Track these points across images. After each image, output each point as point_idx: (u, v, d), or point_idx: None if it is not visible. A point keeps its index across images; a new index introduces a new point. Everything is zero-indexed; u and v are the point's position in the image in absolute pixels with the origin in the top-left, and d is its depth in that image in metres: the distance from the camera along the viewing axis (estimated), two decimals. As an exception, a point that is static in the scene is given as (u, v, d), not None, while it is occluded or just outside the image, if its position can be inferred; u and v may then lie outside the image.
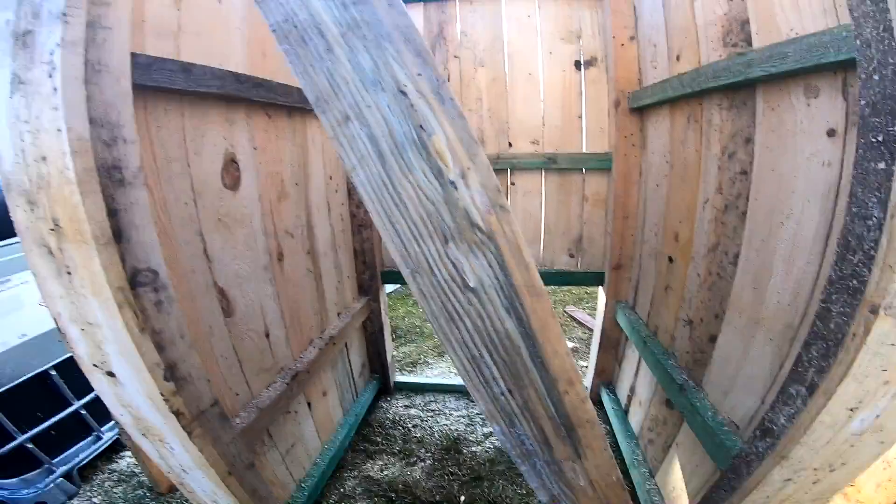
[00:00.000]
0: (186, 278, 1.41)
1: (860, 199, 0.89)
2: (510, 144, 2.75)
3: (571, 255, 2.87)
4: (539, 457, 0.84)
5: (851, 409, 0.92)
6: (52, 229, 0.86)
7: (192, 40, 1.50)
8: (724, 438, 1.45)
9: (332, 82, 0.57)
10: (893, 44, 0.80)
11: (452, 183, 0.57)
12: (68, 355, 2.36)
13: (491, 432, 2.73)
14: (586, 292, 5.29)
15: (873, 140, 0.86)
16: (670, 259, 2.06)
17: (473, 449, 2.65)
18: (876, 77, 0.85)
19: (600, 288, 2.84)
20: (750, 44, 1.45)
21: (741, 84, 1.47)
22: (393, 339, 3.86)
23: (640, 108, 2.32)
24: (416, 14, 2.75)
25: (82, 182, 0.87)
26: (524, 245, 0.60)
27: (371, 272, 2.88)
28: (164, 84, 1.32)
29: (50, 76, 0.92)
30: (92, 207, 0.86)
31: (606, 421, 2.74)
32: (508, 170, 2.77)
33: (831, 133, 1.14)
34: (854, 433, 0.96)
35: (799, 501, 1.13)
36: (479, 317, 0.64)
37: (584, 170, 2.72)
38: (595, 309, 4.28)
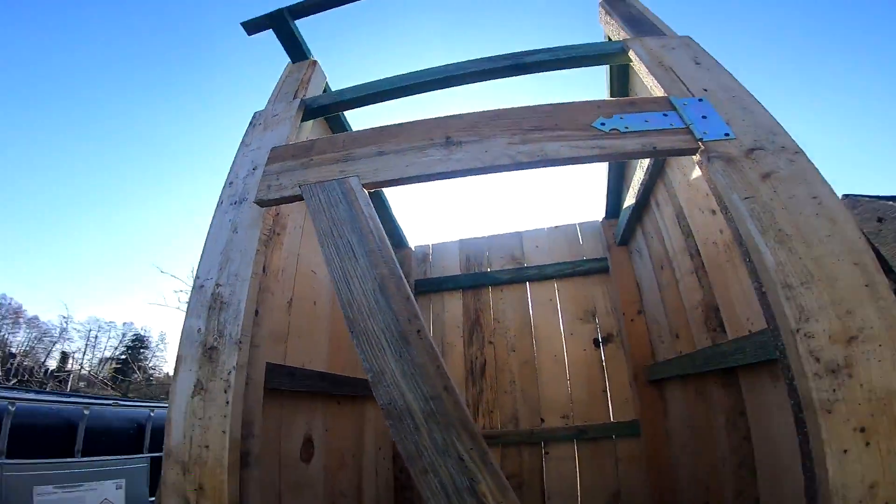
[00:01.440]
0: None
1: (807, 467, 1.04)
2: (542, 420, 2.99)
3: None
4: None
5: None
6: (195, 490, 1.17)
7: (296, 343, 2.03)
8: None
9: (417, 448, 0.96)
10: (792, 367, 1.06)
11: (489, 512, 0.90)
12: None
13: None
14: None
15: (803, 431, 1.05)
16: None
17: None
18: (793, 387, 1.08)
19: None
20: (724, 330, 1.81)
21: (726, 369, 1.79)
22: None
23: (657, 380, 2.64)
24: (457, 302, 3.36)
25: (230, 468, 1.20)
26: None
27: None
28: (277, 387, 1.74)
29: (225, 391, 1.31)
30: (231, 484, 1.18)
31: None
32: (542, 442, 2.94)
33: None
34: None
35: None
36: None
37: (613, 436, 2.88)
38: None
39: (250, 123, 2.00)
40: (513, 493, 0.91)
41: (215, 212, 1.70)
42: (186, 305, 1.56)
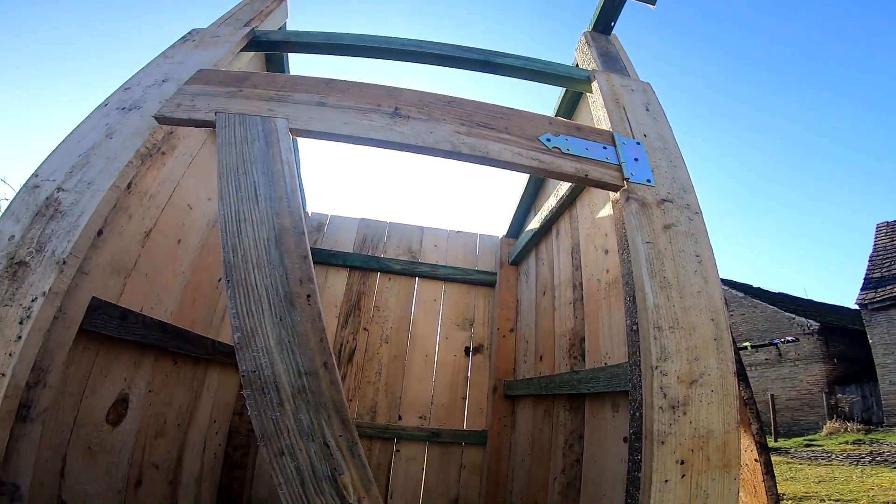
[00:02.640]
0: (34, 489, 1.27)
1: (631, 494, 1.16)
2: (400, 417, 2.98)
3: (449, 514, 2.86)
4: None
5: None
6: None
7: (140, 281, 1.68)
8: None
9: (277, 427, 0.81)
10: (643, 398, 1.16)
11: None
12: None
13: None
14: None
15: (636, 457, 1.17)
16: None
17: None
18: (637, 414, 1.20)
19: None
20: (584, 360, 1.98)
21: (576, 394, 1.94)
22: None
23: (512, 395, 2.77)
24: (341, 280, 3.19)
25: (1, 419, 0.92)
26: None
27: (235, 506, 2.59)
28: (98, 329, 1.42)
29: (20, 323, 1.02)
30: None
31: None
32: (395, 439, 2.92)
33: (625, 440, 1.52)
34: None
35: None
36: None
37: (463, 443, 2.97)
38: None
39: (182, 38, 1.79)
40: (376, 489, 0.82)
41: (92, 113, 1.44)
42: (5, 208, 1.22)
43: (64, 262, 1.15)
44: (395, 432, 2.90)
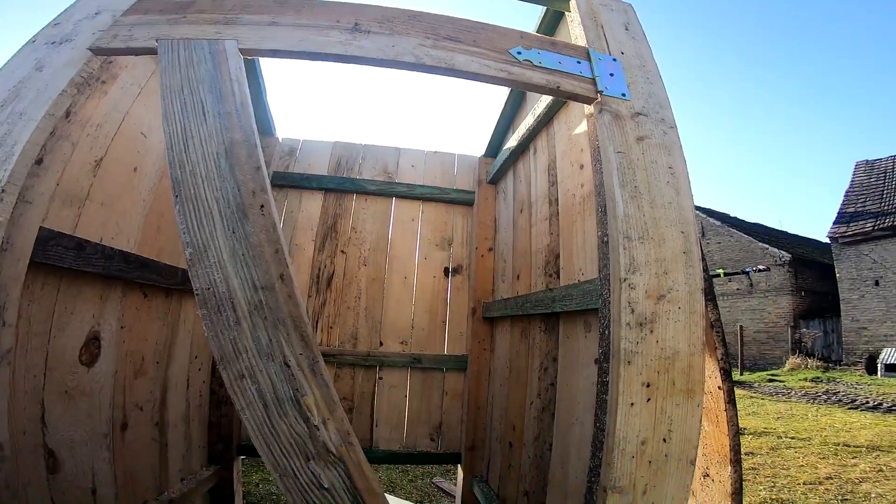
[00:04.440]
0: (18, 440, 1.30)
1: (599, 417, 1.20)
2: (381, 343, 3.01)
3: (432, 439, 3.03)
4: None
5: None
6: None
7: (96, 211, 1.61)
8: None
9: (235, 348, 0.80)
10: (611, 315, 1.16)
11: (316, 426, 0.80)
12: None
13: None
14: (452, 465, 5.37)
15: (605, 379, 1.19)
16: (510, 444, 2.37)
17: None
18: (606, 332, 1.21)
19: (459, 465, 3.01)
20: (559, 277, 1.98)
21: (551, 314, 1.95)
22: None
23: (491, 318, 2.83)
24: (316, 203, 3.09)
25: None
26: (365, 463, 0.83)
27: (225, 444, 2.70)
28: (55, 262, 1.37)
29: None
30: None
31: None
32: (378, 366, 2.97)
33: (596, 361, 1.48)
34: None
35: None
36: (332, 505, 0.82)
37: (444, 368, 3.06)
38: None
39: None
40: (342, 409, 0.83)
41: (20, 50, 1.35)
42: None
43: (2, 191, 1.09)
44: (378, 359, 2.95)
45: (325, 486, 0.82)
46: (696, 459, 1.16)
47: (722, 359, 1.72)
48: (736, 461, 1.70)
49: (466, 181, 3.29)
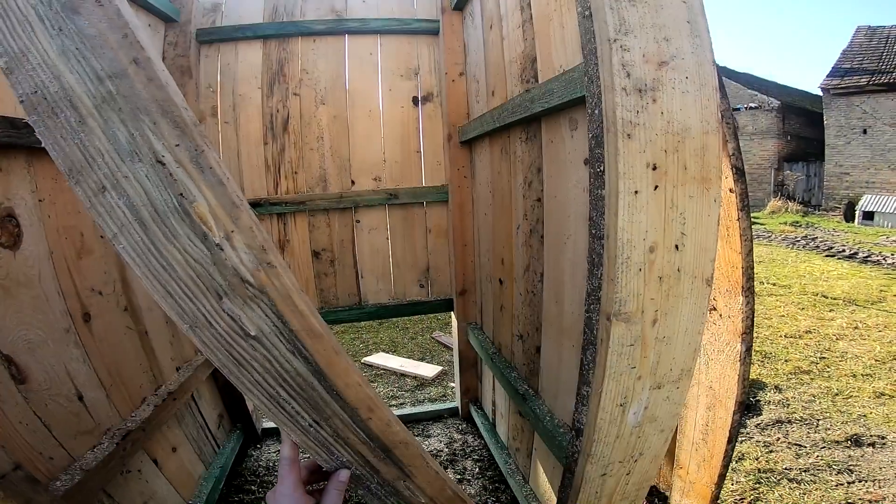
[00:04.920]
0: None
1: (595, 222, 1.04)
2: (353, 182, 2.83)
3: (422, 286, 3.01)
4: (370, 480, 0.87)
5: (621, 405, 1.04)
6: None
7: None
8: (561, 441, 1.53)
9: (85, 154, 0.57)
10: (602, 82, 0.95)
11: (218, 245, 0.61)
12: None
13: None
14: (450, 317, 5.58)
15: (598, 170, 1.00)
16: (500, 281, 2.29)
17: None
18: (596, 112, 1.00)
19: (452, 313, 3.02)
20: (537, 80, 1.69)
21: (531, 118, 1.68)
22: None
23: (469, 140, 2.58)
24: (255, 52, 2.72)
25: None
26: (297, 293, 0.66)
27: (217, 319, 2.70)
28: None
29: None
30: None
31: (479, 436, 2.89)
32: (353, 208, 2.83)
33: (586, 162, 1.31)
34: (633, 425, 1.08)
35: (624, 493, 1.20)
36: (266, 360, 0.68)
37: (424, 203, 2.91)
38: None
39: None
40: (250, 215, 0.63)
41: None
42: None
43: None
44: (351, 199, 2.80)
45: (252, 333, 0.66)
46: (712, 279, 1.01)
47: (734, 154, 1.47)
48: (749, 290, 1.54)
49: (429, 11, 2.81)
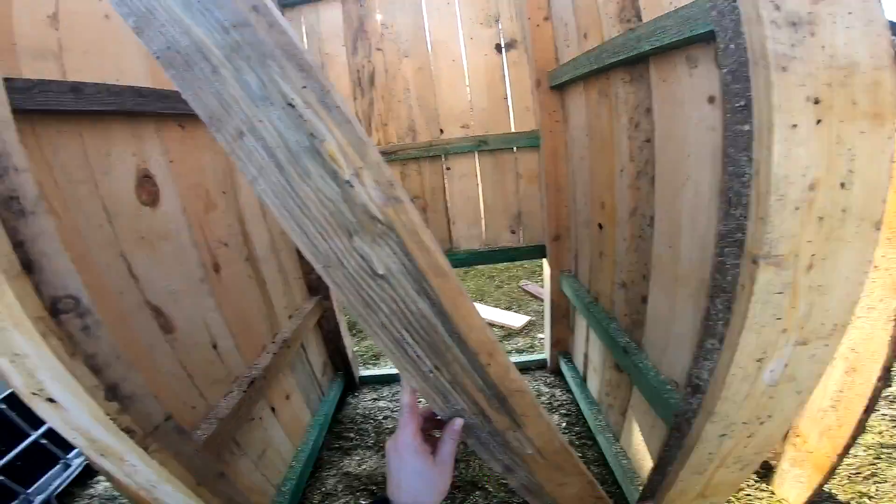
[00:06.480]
0: (115, 300, 1.37)
1: (734, 159, 0.94)
2: (441, 131, 2.83)
3: (513, 232, 2.98)
4: (481, 429, 0.88)
5: (759, 360, 0.95)
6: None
7: (80, 59, 1.41)
8: (667, 397, 1.46)
9: (222, 102, 0.59)
10: (742, 14, 0.85)
11: (348, 182, 0.61)
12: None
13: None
14: (538, 265, 5.44)
15: (737, 105, 0.91)
16: (600, 226, 2.17)
17: (445, 433, 2.75)
18: (732, 46, 0.90)
19: (544, 260, 2.96)
20: (640, 19, 1.54)
21: (636, 58, 1.54)
22: (352, 335, 3.86)
23: (559, 85, 2.42)
24: (335, 12, 2.75)
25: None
26: (423, 230, 0.65)
27: (319, 271, 2.89)
28: (53, 106, 1.23)
29: None
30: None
31: (568, 390, 2.88)
32: (443, 155, 2.85)
33: (711, 100, 1.21)
34: (769, 384, 0.98)
35: (740, 456, 1.14)
36: (393, 301, 0.69)
37: (514, 148, 2.83)
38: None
39: None
40: (376, 152, 0.62)
41: None
42: None
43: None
44: (441, 148, 2.80)
45: (380, 272, 0.67)
46: (881, 223, 0.85)
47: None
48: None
49: (506, -46, 2.64)
